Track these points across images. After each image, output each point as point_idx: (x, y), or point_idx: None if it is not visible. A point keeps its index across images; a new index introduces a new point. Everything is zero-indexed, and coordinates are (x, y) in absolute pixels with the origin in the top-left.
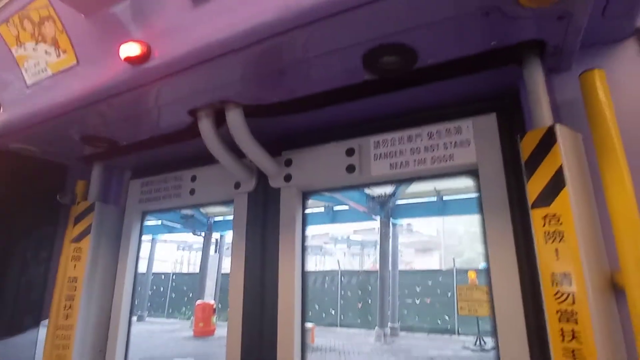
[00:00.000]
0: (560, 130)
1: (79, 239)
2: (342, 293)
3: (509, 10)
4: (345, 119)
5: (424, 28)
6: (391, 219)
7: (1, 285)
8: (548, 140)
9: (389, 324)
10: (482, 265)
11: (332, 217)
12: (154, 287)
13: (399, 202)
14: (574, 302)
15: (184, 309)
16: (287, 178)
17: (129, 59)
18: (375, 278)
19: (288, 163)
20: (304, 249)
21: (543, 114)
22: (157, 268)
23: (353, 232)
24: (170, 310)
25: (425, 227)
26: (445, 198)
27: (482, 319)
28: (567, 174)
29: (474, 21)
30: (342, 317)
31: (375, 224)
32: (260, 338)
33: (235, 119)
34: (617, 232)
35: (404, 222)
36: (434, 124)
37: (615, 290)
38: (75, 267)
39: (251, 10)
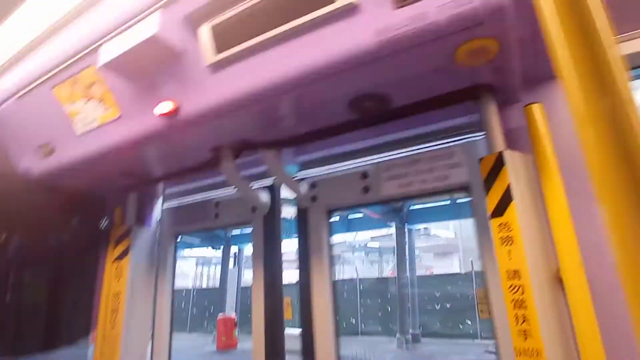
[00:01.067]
0: (508, 155)
1: (119, 258)
2: (362, 301)
3: (453, 68)
4: (352, 144)
5: (394, 81)
6: (406, 224)
7: (56, 303)
8: (499, 164)
9: (410, 331)
10: None
11: (347, 225)
12: (176, 304)
13: (413, 207)
14: (522, 293)
15: (205, 323)
16: (314, 199)
17: (162, 115)
18: (394, 284)
19: (313, 186)
20: (331, 260)
21: (496, 140)
22: (179, 284)
23: (370, 239)
24: (192, 325)
25: (443, 230)
26: (459, 201)
27: None
28: (514, 191)
29: (432, 74)
30: (362, 326)
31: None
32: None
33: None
34: (555, 236)
35: (420, 226)
36: (433, 148)
37: (561, 282)
38: (118, 283)
39: (257, 77)
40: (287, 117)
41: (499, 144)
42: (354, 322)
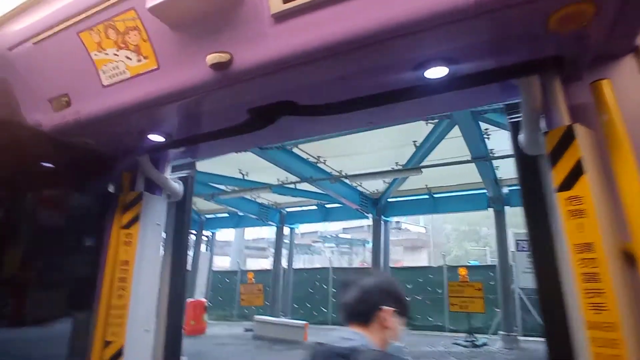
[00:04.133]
0: (579, 129)
1: (128, 225)
2: (334, 291)
3: (538, 35)
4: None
5: (469, 46)
6: (382, 216)
7: (59, 267)
8: (568, 137)
9: None
10: (472, 262)
11: (325, 215)
12: None
13: (391, 199)
14: (596, 266)
15: None
16: None
17: (214, 66)
18: (366, 274)
19: None
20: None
21: (562, 115)
22: None
23: (342, 230)
24: None
25: (413, 225)
26: (436, 195)
27: (473, 316)
28: (585, 164)
29: (511, 42)
30: (333, 315)
31: (365, 222)
32: None
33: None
34: (627, 211)
35: (392, 220)
36: None
37: (628, 258)
38: (126, 251)
39: (328, 30)
40: (349, 78)
41: (565, 118)
42: (325, 311)
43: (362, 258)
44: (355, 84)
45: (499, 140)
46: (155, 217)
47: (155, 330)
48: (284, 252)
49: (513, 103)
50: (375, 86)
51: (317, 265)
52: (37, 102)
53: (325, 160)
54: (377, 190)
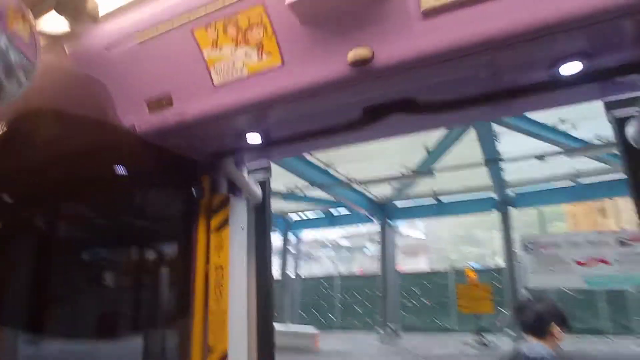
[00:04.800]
0: None
1: (219, 229)
2: (341, 297)
3: None
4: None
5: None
6: (389, 220)
7: (153, 274)
8: None
9: (391, 325)
10: (474, 264)
11: (331, 221)
12: None
13: (397, 204)
14: None
15: None
16: None
17: (355, 62)
18: (371, 281)
19: None
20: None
21: None
22: None
23: (341, 238)
24: None
25: (412, 230)
26: (442, 199)
27: (481, 317)
28: None
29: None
30: (341, 321)
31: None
32: None
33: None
34: None
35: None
36: None
37: None
38: (219, 256)
39: (470, 28)
40: (477, 75)
41: None
42: (333, 318)
43: (360, 264)
44: (482, 81)
45: (508, 143)
46: (240, 221)
47: (248, 334)
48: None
49: (617, 100)
50: (502, 82)
51: (316, 272)
52: (132, 103)
53: (335, 167)
54: (384, 195)
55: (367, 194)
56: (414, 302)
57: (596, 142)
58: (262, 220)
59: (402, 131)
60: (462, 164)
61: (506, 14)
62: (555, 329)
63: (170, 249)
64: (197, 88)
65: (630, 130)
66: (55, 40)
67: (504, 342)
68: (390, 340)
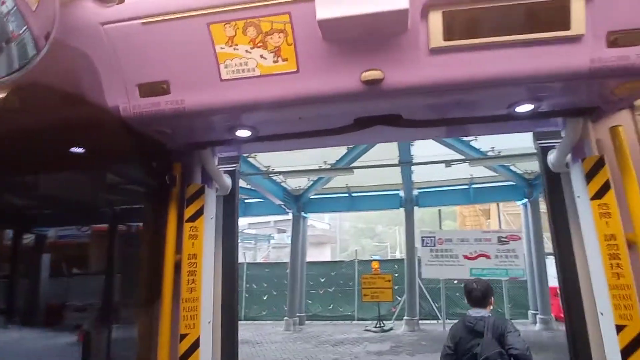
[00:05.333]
0: (607, 158)
1: (194, 219)
2: (247, 286)
3: (604, 93)
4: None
5: (553, 94)
6: (302, 213)
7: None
8: (601, 163)
9: (297, 314)
10: (375, 256)
11: (244, 209)
12: None
13: (312, 196)
14: (618, 248)
15: None
16: None
17: (368, 81)
18: (278, 270)
19: None
20: None
21: (592, 147)
22: None
23: (247, 226)
24: None
25: (318, 222)
26: (354, 194)
27: (380, 305)
28: (610, 183)
29: (585, 94)
30: (247, 310)
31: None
32: None
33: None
34: (632, 214)
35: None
36: None
37: (631, 243)
38: (193, 245)
39: (469, 68)
40: (458, 103)
41: (595, 149)
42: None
43: (265, 254)
44: (460, 108)
45: (420, 148)
46: (210, 211)
47: (214, 320)
48: None
49: (542, 132)
50: (473, 111)
51: None
52: (122, 84)
53: (255, 155)
54: (299, 187)
55: (283, 184)
56: (319, 291)
57: (490, 154)
58: (230, 210)
59: (382, 139)
60: (378, 163)
61: (489, 64)
62: (492, 300)
63: (138, 236)
64: (203, 80)
65: (550, 157)
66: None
67: (399, 327)
68: (296, 328)
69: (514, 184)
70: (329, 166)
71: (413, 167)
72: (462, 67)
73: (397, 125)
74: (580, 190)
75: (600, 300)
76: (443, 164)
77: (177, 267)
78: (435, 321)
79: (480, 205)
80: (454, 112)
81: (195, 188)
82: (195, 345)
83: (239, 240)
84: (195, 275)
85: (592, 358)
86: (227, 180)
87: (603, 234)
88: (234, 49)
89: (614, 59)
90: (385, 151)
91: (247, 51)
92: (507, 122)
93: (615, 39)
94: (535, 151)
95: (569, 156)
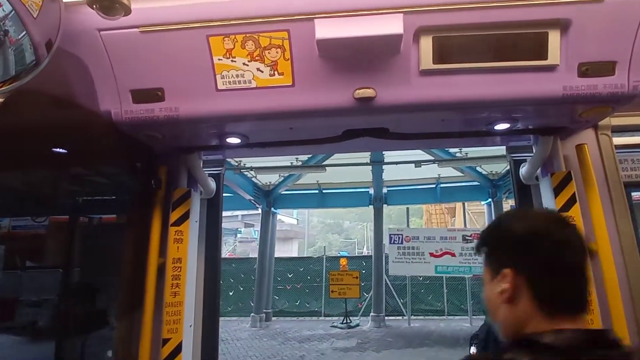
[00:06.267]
0: (573, 173)
1: (179, 223)
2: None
3: (571, 114)
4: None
5: (525, 116)
6: (272, 208)
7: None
8: (567, 179)
9: (264, 310)
10: (342, 252)
11: None
12: None
13: (283, 192)
14: None
15: None
16: None
17: (360, 99)
18: (245, 265)
19: None
20: None
21: (560, 163)
22: None
23: None
24: None
25: (287, 217)
26: (324, 191)
27: (347, 301)
28: (577, 195)
29: (551, 115)
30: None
31: (239, 211)
32: None
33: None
34: (594, 224)
35: None
36: None
37: (591, 251)
38: (178, 249)
39: (456, 90)
40: (443, 120)
41: (562, 165)
42: None
43: (232, 248)
44: (443, 124)
45: None
46: (195, 214)
47: (195, 325)
48: None
49: (515, 146)
50: (454, 127)
51: None
52: (115, 89)
53: None
54: (270, 182)
55: (254, 180)
56: (287, 287)
57: (458, 155)
58: (214, 213)
59: (367, 149)
60: (350, 162)
61: (473, 87)
62: None
63: (121, 238)
64: (198, 89)
65: (522, 170)
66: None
67: (365, 323)
68: (263, 324)
69: (479, 184)
70: (300, 163)
71: (384, 166)
72: (448, 88)
73: (383, 138)
74: (548, 202)
75: None
76: (413, 164)
77: (160, 270)
78: (400, 317)
79: (446, 203)
80: (437, 128)
81: (181, 192)
82: (178, 349)
83: None
84: (180, 279)
85: None
86: (212, 184)
87: None
88: (232, 60)
89: (584, 87)
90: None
91: (244, 64)
92: (486, 137)
93: (586, 70)
94: (499, 154)
95: (539, 170)
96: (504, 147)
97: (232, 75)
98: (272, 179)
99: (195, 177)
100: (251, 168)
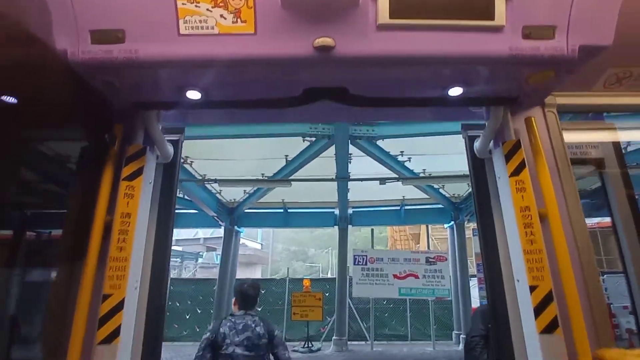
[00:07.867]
0: (521, 142)
1: (131, 178)
2: (170, 304)
3: (520, 80)
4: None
5: (479, 79)
6: (236, 226)
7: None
8: (517, 146)
9: None
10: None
11: (175, 220)
12: None
13: (247, 210)
14: (531, 218)
15: None
16: None
17: (319, 48)
18: (205, 286)
19: None
20: None
21: (511, 133)
22: None
23: (174, 242)
24: None
25: (250, 240)
26: (289, 210)
27: (311, 325)
28: (526, 162)
29: (508, 81)
30: (166, 330)
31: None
32: None
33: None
34: (542, 189)
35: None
36: None
37: (542, 215)
38: (128, 204)
39: (411, 46)
40: (398, 81)
41: (512, 135)
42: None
43: (191, 273)
44: (400, 86)
45: (357, 166)
46: (149, 175)
47: (142, 283)
48: None
49: (469, 124)
50: (412, 91)
51: None
52: (74, 29)
53: (192, 162)
54: (234, 199)
55: (218, 196)
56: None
57: (422, 175)
58: (170, 178)
59: (328, 118)
60: (315, 177)
61: (427, 44)
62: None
63: (66, 191)
64: (160, 33)
65: (475, 144)
66: None
67: (327, 347)
68: None
69: (442, 206)
70: (266, 178)
71: (349, 185)
72: (403, 44)
73: (343, 101)
74: (500, 172)
75: (517, 268)
76: (378, 182)
77: (107, 228)
78: (363, 342)
79: (411, 229)
80: (395, 92)
81: (136, 148)
82: (119, 306)
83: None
84: (127, 234)
85: (509, 317)
86: (170, 148)
87: (519, 206)
88: (196, 5)
89: (528, 49)
90: (323, 167)
91: (208, 9)
92: (442, 107)
93: (529, 33)
94: (459, 174)
95: (491, 143)
96: (464, 146)
97: (195, 21)
98: (236, 195)
99: (153, 137)
100: (215, 180)
